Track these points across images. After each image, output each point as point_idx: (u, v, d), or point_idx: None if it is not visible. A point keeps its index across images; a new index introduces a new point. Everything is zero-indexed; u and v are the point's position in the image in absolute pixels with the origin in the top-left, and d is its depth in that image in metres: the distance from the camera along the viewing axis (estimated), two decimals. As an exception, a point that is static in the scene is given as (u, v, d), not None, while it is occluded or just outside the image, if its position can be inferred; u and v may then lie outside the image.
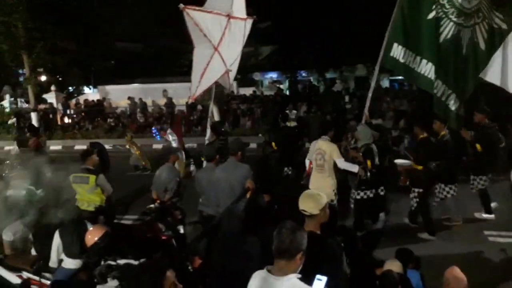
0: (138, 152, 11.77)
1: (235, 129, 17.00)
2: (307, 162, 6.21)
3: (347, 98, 19.49)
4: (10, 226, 4.48)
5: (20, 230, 4.56)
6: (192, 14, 6.10)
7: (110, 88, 23.23)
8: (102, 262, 3.69)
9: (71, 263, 4.03)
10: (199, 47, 6.49)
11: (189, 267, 3.98)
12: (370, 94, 6.61)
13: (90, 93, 26.02)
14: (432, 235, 6.14)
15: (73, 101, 22.90)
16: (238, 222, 3.29)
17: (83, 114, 20.30)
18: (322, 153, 5.74)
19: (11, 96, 22.60)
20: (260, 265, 3.02)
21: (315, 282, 2.22)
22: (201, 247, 3.37)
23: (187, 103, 19.47)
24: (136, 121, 19.36)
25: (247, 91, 22.00)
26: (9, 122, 18.30)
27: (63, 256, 4.10)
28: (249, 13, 7.29)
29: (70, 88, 26.45)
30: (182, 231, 5.28)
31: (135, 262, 3.87)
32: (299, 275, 2.23)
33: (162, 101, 20.83)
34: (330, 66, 27.24)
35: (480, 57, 5.71)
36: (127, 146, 12.15)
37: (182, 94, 20.54)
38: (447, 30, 5.63)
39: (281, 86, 26.11)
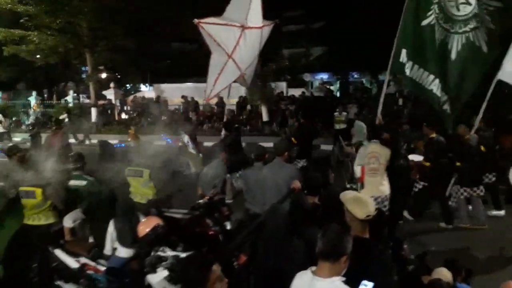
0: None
1: (282, 129, 17.03)
2: (358, 167, 6.13)
3: (400, 101, 18.85)
4: (71, 214, 4.82)
5: (79, 218, 4.89)
6: (206, 27, 6.76)
7: (165, 86, 24.09)
8: (153, 253, 3.87)
9: (124, 252, 4.24)
10: (215, 53, 7.07)
11: (235, 264, 4.07)
12: (381, 99, 6.94)
13: (146, 91, 27.14)
14: (449, 224, 6.75)
15: (130, 98, 24.00)
16: (282, 222, 3.31)
17: (139, 110, 21.15)
18: (377, 156, 5.69)
19: (74, 92, 24.13)
20: (303, 265, 3.04)
21: (361, 287, 2.20)
22: (246, 244, 3.42)
23: (237, 102, 19.80)
24: (188, 119, 19.94)
25: (297, 92, 21.91)
26: (61, 117, 19.46)
27: (116, 244, 4.31)
28: (279, 17, 8.28)
29: (128, 85, 27.78)
30: (228, 227, 5.37)
31: (184, 255, 4.03)
32: (343, 278, 2.22)
33: (213, 100, 21.30)
34: (384, 68, 26.47)
35: (483, 60, 5.79)
36: (129, 140, 12.25)
37: (232, 94, 20.94)
38: (438, 35, 5.93)
39: (332, 88, 25.77)
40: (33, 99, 22.75)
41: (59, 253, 4.50)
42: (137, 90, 28.83)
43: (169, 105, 21.53)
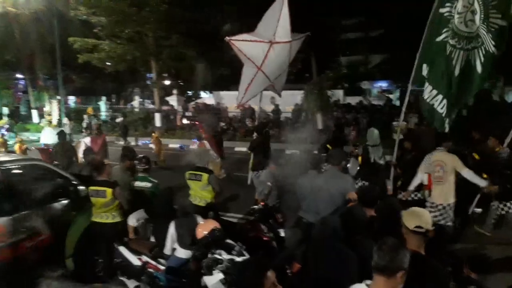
0: (157, 150, 13.21)
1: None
2: (424, 176, 6.04)
3: (464, 112, 17.75)
4: (135, 213, 5.13)
5: (142, 218, 5.20)
6: (236, 44, 7.59)
7: (223, 93, 24.71)
8: (209, 255, 4.01)
9: (182, 253, 4.42)
10: (246, 66, 7.93)
11: (288, 271, 4.10)
12: (403, 109, 7.42)
13: (207, 98, 28.01)
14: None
15: (191, 104, 24.91)
16: (334, 233, 3.30)
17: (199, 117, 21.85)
18: (442, 165, 5.71)
19: (139, 97, 25.53)
20: (356, 278, 3.01)
21: None
22: (299, 253, 3.45)
23: (293, 110, 19.84)
24: (244, 125, 20.29)
25: (354, 100, 21.51)
26: (117, 120, 20.45)
27: (176, 245, 4.51)
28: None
29: (189, 92, 28.83)
30: (282, 234, 5.42)
31: (239, 259, 4.14)
32: None
33: (269, 108, 21.51)
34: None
35: (476, 80, 6.00)
36: (151, 143, 13.32)
37: (288, 101, 21.02)
38: (448, 51, 6.00)
39: (391, 96, 24.95)
40: (102, 104, 24.40)
41: (123, 250, 4.80)
42: (198, 97, 29.86)
43: (229, 112, 22.05)
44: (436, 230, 2.83)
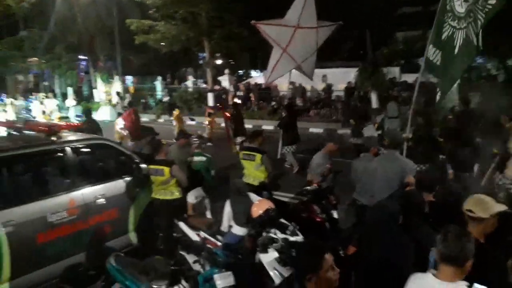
0: (177, 127, 13.00)
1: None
2: None
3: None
4: (193, 191, 5.38)
5: (201, 195, 5.44)
6: (262, 27, 8.61)
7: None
8: (264, 234, 4.14)
9: (238, 230, 4.60)
10: (274, 48, 8.73)
11: (341, 253, 4.13)
12: (415, 93, 6.96)
13: (257, 77, 28.02)
14: None
15: (242, 83, 25.07)
16: (391, 217, 3.26)
17: (251, 96, 21.97)
18: None
19: (193, 77, 26.10)
20: (411, 264, 2.98)
21: None
22: (355, 235, 3.46)
23: (346, 88, 19.39)
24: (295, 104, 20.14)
25: (411, 77, 20.52)
26: (164, 99, 20.93)
27: (232, 223, 4.69)
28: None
29: (240, 71, 29.01)
30: (335, 216, 5.44)
31: (292, 238, 4.23)
32: (467, 283, 2.16)
33: (321, 86, 21.14)
34: (514, 52, 23.15)
35: (470, 50, 5.89)
36: (173, 120, 13.33)
37: (341, 79, 20.49)
38: (447, 33, 6.13)
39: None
40: (158, 84, 25.23)
41: (182, 225, 5.07)
42: (249, 76, 29.95)
43: (280, 91, 21.91)
44: (503, 218, 2.73)
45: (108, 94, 22.13)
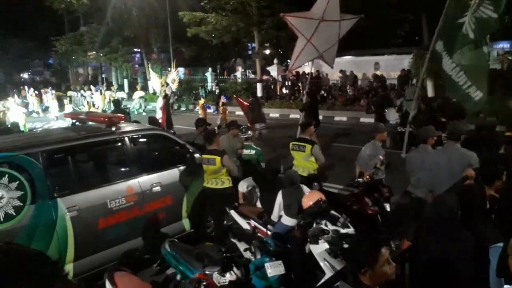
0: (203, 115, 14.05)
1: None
2: None
3: None
4: (244, 180, 5.45)
5: (251, 185, 5.50)
6: (289, 19, 9.12)
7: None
8: (314, 225, 4.13)
9: (288, 221, 4.61)
10: (299, 38, 9.19)
11: (393, 246, 4.02)
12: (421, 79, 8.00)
13: (306, 65, 27.58)
14: None
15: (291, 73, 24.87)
16: (451, 212, 3.11)
17: (299, 85, 21.79)
18: None
19: (242, 68, 26.31)
20: (469, 261, 2.84)
21: None
22: (410, 230, 3.34)
23: (399, 76, 18.66)
24: (345, 93, 19.71)
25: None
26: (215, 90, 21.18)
27: (282, 213, 4.71)
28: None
29: (289, 60, 28.74)
30: (388, 208, 5.29)
31: (343, 230, 4.19)
32: None
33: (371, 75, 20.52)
34: None
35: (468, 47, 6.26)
36: (199, 109, 14.33)
37: (394, 66, 19.72)
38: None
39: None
40: (209, 75, 25.72)
41: (233, 214, 5.17)
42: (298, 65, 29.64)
43: (330, 80, 21.53)
44: None
45: (162, 85, 22.88)
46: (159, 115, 11.70)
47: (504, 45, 25.32)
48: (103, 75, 32.73)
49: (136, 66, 31.51)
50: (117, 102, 11.32)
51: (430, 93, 16.97)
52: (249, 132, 6.40)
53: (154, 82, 22.95)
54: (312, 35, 9.01)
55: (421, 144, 5.36)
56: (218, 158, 5.30)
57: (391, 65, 20.17)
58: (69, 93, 23.75)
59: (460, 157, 4.45)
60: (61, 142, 4.66)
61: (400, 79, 18.48)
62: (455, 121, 8.26)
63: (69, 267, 4.39)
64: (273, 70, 22.91)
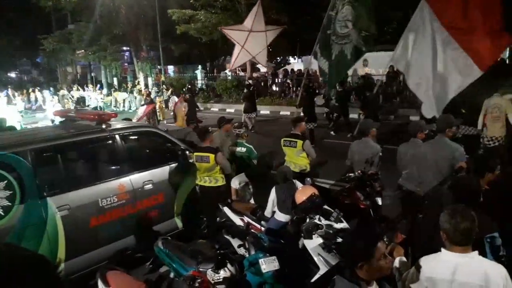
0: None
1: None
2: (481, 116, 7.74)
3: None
4: (237, 177, 5.43)
5: (243, 181, 5.48)
6: (226, 31, 12.44)
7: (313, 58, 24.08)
8: (308, 220, 4.12)
9: (281, 217, 4.60)
10: (236, 45, 12.28)
11: (385, 241, 4.03)
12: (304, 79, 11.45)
13: (295, 63, 27.68)
14: None
15: (280, 70, 24.88)
16: (441, 203, 3.13)
17: (288, 82, 21.80)
18: (498, 107, 7.57)
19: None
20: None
21: None
22: (404, 223, 3.35)
23: (388, 73, 18.72)
24: (334, 89, 19.68)
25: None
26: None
27: (275, 209, 4.70)
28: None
29: (278, 58, 28.75)
30: (380, 202, 5.32)
31: (336, 225, 4.19)
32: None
33: (361, 71, 20.56)
34: None
35: (346, 63, 9.16)
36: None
37: (383, 63, 19.77)
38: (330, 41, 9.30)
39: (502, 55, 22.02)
40: (199, 73, 25.61)
41: (227, 210, 5.15)
42: (287, 62, 29.65)
43: (319, 77, 21.51)
44: None
45: (142, 94, 23.00)
46: (138, 115, 12.91)
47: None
48: (93, 74, 32.38)
49: (126, 64, 31.20)
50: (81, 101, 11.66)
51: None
52: (241, 129, 6.35)
53: (141, 82, 22.88)
54: (245, 42, 11.93)
55: (411, 138, 5.40)
56: (212, 156, 5.26)
57: (379, 62, 20.23)
58: (62, 92, 23.40)
59: (446, 150, 4.48)
60: (51, 140, 4.59)
61: (389, 76, 18.54)
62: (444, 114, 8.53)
63: (60, 267, 4.32)
64: (263, 68, 22.88)
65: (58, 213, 4.33)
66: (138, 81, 23.70)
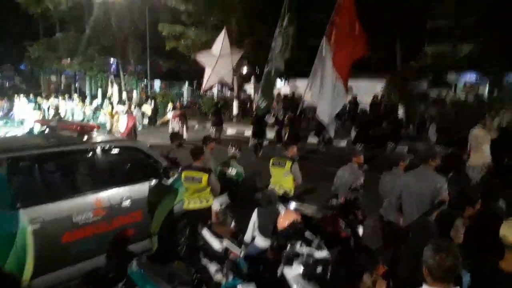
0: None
1: (422, 133, 15.74)
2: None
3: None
4: (219, 198, 5.31)
5: (225, 203, 5.37)
6: (198, 57, 14.26)
7: (299, 82, 24.41)
8: (288, 247, 4.04)
9: (262, 241, 4.50)
10: (206, 68, 13.78)
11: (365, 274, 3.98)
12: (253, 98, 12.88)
13: (283, 86, 27.94)
14: None
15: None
16: (428, 236, 3.11)
17: (276, 104, 21.83)
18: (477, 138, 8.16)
19: (219, 85, 26.27)
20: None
21: None
22: (386, 254, 3.31)
23: (372, 101, 19.10)
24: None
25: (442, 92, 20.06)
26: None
27: (256, 233, 4.60)
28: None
29: (275, 79, 28.92)
30: (361, 232, 5.29)
31: (318, 253, 4.11)
32: None
33: (347, 98, 20.86)
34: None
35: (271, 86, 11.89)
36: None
37: (367, 92, 20.21)
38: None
39: (480, 90, 22.84)
40: (185, 90, 25.57)
41: (205, 233, 4.99)
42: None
43: (305, 101, 21.74)
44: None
45: (109, 98, 22.83)
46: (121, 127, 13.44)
47: (470, 76, 26.52)
48: (77, 84, 31.96)
49: (112, 76, 30.97)
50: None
51: (401, 115, 17.47)
52: (234, 149, 6.31)
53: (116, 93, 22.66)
54: (214, 66, 13.46)
55: (393, 167, 5.44)
56: (205, 176, 5.14)
57: (364, 90, 20.66)
58: (50, 100, 22.86)
59: (429, 181, 4.50)
60: (28, 149, 4.44)
61: (373, 104, 18.91)
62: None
63: (26, 285, 4.11)
64: (250, 88, 23.05)
65: (30, 226, 4.14)
66: (111, 93, 23.31)
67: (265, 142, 13.98)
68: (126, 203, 5.02)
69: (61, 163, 4.88)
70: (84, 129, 5.08)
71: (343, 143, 15.37)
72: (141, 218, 5.23)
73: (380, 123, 14.64)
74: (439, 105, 17.85)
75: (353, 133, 14.67)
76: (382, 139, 13.61)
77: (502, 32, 20.58)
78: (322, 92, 8.83)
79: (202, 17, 19.49)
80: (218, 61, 13.39)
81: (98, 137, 5.27)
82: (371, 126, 14.23)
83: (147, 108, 20.55)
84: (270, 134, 15.16)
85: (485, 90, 24.65)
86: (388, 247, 4.70)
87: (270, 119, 15.88)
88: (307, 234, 4.35)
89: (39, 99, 22.50)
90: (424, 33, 27.74)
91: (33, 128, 13.92)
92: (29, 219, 4.14)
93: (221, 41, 13.76)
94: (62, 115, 19.57)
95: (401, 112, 17.53)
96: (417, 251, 3.09)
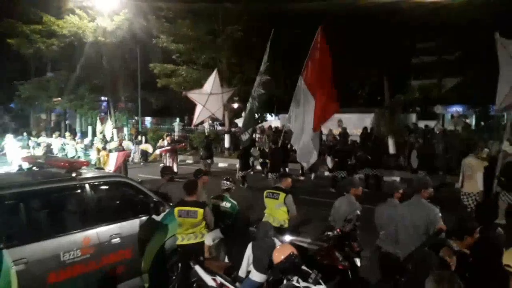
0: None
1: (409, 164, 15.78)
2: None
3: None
4: (211, 233, 5.18)
5: (218, 237, 5.23)
6: (189, 95, 14.36)
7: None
8: (285, 281, 3.90)
9: (257, 276, 4.33)
10: (197, 105, 14.20)
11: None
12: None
13: (273, 120, 28.24)
14: None
15: (257, 126, 25.20)
16: (425, 267, 3.02)
17: (265, 137, 21.97)
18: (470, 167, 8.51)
19: (210, 119, 26.43)
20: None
21: None
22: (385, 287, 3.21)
23: (361, 133, 19.27)
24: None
25: (430, 124, 20.35)
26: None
27: (251, 267, 4.44)
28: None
29: (256, 115, 29.24)
30: (358, 263, 5.16)
31: (315, 287, 3.97)
32: None
33: (336, 131, 21.07)
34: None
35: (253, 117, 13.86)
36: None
37: (357, 124, 20.52)
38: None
39: (467, 121, 23.30)
40: (176, 125, 25.64)
41: (198, 269, 4.83)
42: (264, 119, 30.22)
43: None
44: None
45: (100, 133, 22.71)
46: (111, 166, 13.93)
47: (457, 108, 27.17)
48: (67, 122, 31.86)
49: (102, 114, 30.99)
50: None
51: (391, 150, 17.59)
52: (229, 183, 6.21)
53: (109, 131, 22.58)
54: (206, 103, 14.07)
55: (388, 198, 5.38)
56: (200, 211, 5.03)
57: (353, 123, 20.92)
58: (41, 139, 22.54)
59: (422, 211, 4.46)
60: (12, 188, 4.32)
61: (362, 136, 19.05)
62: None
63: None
64: (241, 123, 23.17)
65: (13, 267, 3.96)
66: (103, 129, 23.18)
67: (251, 173, 15.50)
68: (116, 240, 4.86)
69: (47, 200, 4.75)
70: (73, 165, 4.97)
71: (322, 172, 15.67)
72: (131, 255, 5.06)
73: (355, 151, 14.54)
74: (428, 135, 18.03)
75: (329, 162, 14.58)
76: (355, 167, 13.65)
77: (484, 65, 21.28)
78: (299, 127, 10.24)
79: (193, 56, 19.87)
80: (209, 99, 14.06)
81: (87, 173, 5.16)
82: (347, 155, 14.02)
83: (147, 147, 20.56)
84: (259, 165, 16.16)
85: (473, 121, 25.21)
86: (387, 279, 4.57)
87: (255, 152, 16.71)
88: (304, 267, 4.23)
89: (32, 138, 22.24)
90: (410, 68, 28.59)
91: (21, 166, 13.73)
92: (12, 260, 3.97)
93: (212, 80, 14.41)
94: (55, 152, 19.28)
95: (391, 143, 17.69)
96: (418, 282, 3.00)
